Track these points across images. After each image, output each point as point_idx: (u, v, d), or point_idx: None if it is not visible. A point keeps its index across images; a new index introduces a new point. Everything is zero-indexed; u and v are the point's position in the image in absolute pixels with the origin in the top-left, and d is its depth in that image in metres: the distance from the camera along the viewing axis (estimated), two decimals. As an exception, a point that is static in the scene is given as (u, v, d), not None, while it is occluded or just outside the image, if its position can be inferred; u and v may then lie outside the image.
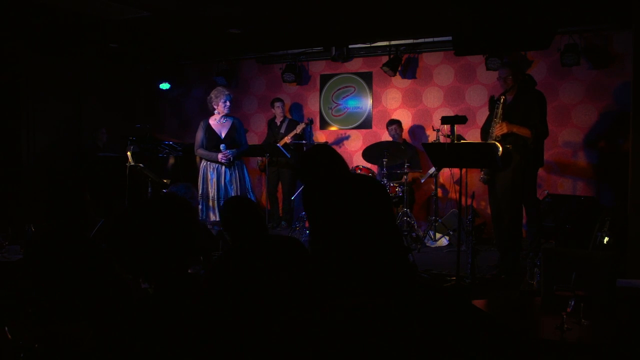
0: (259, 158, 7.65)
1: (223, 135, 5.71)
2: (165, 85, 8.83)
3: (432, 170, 6.50)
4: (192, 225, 1.74)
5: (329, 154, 3.02)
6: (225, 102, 5.67)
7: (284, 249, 2.63)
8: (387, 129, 7.26)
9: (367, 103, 7.99)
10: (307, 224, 6.71)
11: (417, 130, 7.64)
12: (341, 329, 1.04)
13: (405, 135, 7.52)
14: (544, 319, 2.74)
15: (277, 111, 7.82)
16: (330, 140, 8.14)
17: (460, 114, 6.60)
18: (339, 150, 6.65)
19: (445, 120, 4.68)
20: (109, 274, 2.61)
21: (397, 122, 7.22)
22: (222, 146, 5.66)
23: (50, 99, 8.05)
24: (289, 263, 2.54)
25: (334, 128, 8.22)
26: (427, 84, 7.60)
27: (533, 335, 2.52)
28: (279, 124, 7.84)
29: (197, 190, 5.75)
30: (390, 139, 7.20)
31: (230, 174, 5.75)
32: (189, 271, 1.80)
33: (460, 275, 4.47)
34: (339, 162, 3.00)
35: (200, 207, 5.71)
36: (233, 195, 5.63)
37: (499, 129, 4.79)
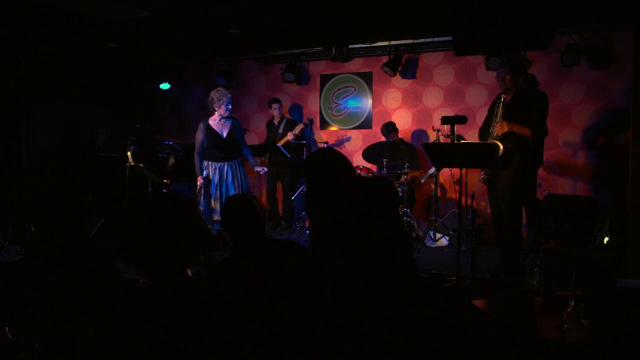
0: (259, 158, 7.66)
1: (225, 135, 5.74)
2: (165, 85, 8.84)
3: (432, 170, 6.50)
4: (194, 224, 1.74)
5: (333, 158, 3.00)
6: (227, 105, 5.71)
7: (286, 252, 2.63)
8: (389, 135, 7.14)
9: (367, 103, 7.98)
10: (307, 224, 6.71)
11: (417, 131, 7.64)
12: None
13: (405, 135, 7.52)
14: (544, 319, 2.73)
15: (275, 112, 7.84)
16: (331, 140, 8.14)
17: (460, 114, 6.61)
18: (339, 150, 6.64)
19: (445, 120, 4.68)
20: (109, 273, 2.61)
21: (395, 129, 7.17)
22: (261, 169, 6.11)
23: (50, 99, 8.05)
24: (291, 266, 2.54)
25: (334, 128, 8.21)
26: (427, 84, 7.60)
27: (533, 335, 2.52)
28: (276, 124, 7.85)
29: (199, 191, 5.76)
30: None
31: (232, 174, 5.77)
32: (190, 271, 1.80)
33: (460, 275, 4.46)
34: (343, 165, 2.97)
35: (202, 208, 5.72)
36: (234, 194, 5.63)
37: (500, 128, 4.80)
